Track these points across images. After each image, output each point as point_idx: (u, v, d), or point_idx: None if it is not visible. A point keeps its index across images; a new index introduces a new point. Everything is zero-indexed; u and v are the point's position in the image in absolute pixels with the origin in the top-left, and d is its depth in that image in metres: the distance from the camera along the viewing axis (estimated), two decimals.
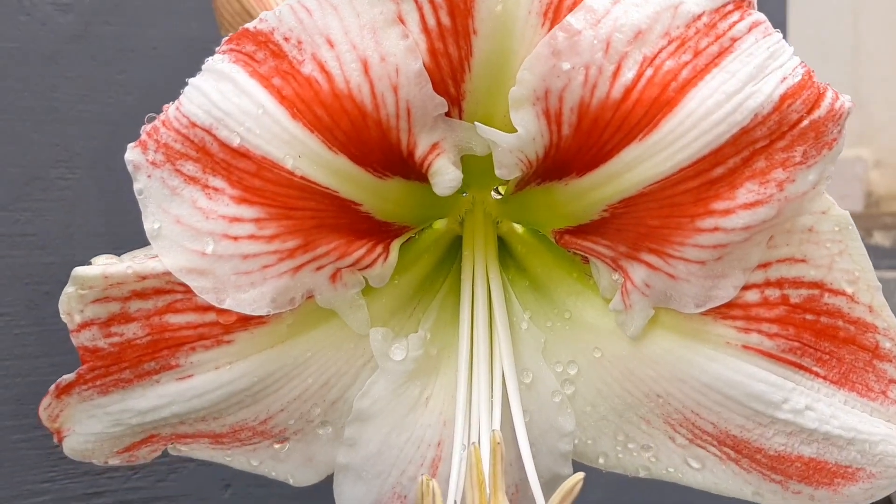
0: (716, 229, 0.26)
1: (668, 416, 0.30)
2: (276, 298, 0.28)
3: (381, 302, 0.31)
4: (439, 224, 0.33)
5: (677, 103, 0.26)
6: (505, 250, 0.33)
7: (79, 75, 0.50)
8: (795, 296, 0.29)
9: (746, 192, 0.26)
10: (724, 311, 0.29)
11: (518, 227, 0.33)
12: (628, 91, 0.26)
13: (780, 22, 0.72)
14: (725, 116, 0.25)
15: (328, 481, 0.33)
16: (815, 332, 0.29)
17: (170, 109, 0.27)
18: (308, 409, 0.31)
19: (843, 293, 0.28)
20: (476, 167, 0.29)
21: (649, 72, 0.26)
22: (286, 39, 0.26)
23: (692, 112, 0.25)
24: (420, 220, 0.31)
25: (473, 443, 0.28)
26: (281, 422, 0.31)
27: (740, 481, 0.30)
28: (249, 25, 0.27)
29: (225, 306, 0.28)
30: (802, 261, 0.28)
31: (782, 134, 0.26)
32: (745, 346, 0.29)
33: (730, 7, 0.26)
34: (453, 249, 0.33)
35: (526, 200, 0.30)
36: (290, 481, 0.32)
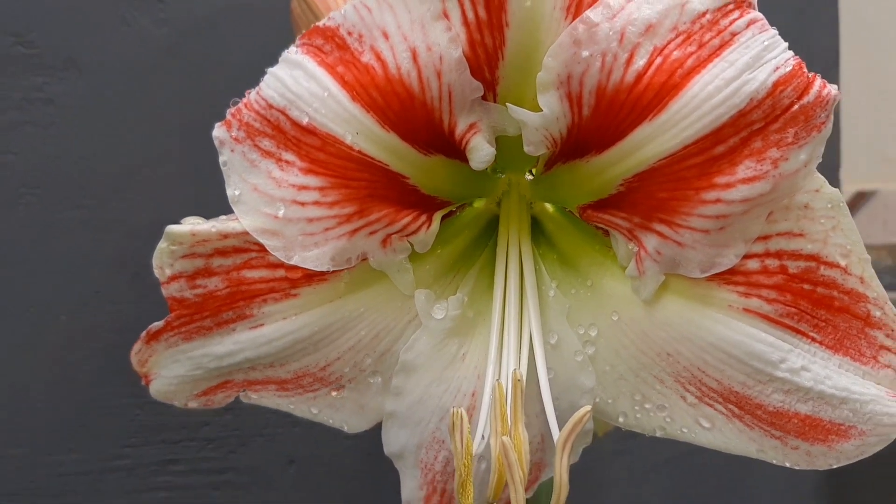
0: (718, 201, 0.29)
1: (678, 374, 0.33)
2: (335, 257, 0.32)
3: (426, 268, 0.35)
4: (479, 203, 0.37)
5: (683, 87, 0.29)
6: (537, 228, 0.37)
7: (170, 84, 0.56)
8: (794, 266, 0.31)
9: (745, 168, 0.29)
10: (727, 277, 0.31)
11: (549, 207, 0.37)
12: (640, 76, 0.29)
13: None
14: (725, 100, 0.28)
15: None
16: (811, 301, 0.31)
17: (251, 94, 0.32)
18: (361, 358, 0.35)
19: (838, 265, 0.31)
20: (510, 152, 0.33)
21: (658, 60, 0.29)
22: (349, 34, 0.30)
23: (696, 95, 0.29)
24: (461, 196, 0.35)
25: (498, 380, 0.31)
26: (337, 369, 0.35)
27: (745, 438, 0.32)
28: (319, 23, 0.31)
29: (292, 262, 0.32)
30: (800, 235, 0.31)
31: (776, 117, 0.29)
32: (745, 309, 0.31)
33: (731, 6, 0.29)
34: (491, 227, 0.37)
35: (554, 179, 0.34)
36: (345, 428, 0.36)
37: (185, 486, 0.61)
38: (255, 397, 0.36)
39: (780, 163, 0.29)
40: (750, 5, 0.30)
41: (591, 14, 0.29)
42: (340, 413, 0.36)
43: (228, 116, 0.32)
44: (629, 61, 0.29)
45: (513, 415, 0.30)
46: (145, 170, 0.55)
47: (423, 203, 0.33)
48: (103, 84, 0.54)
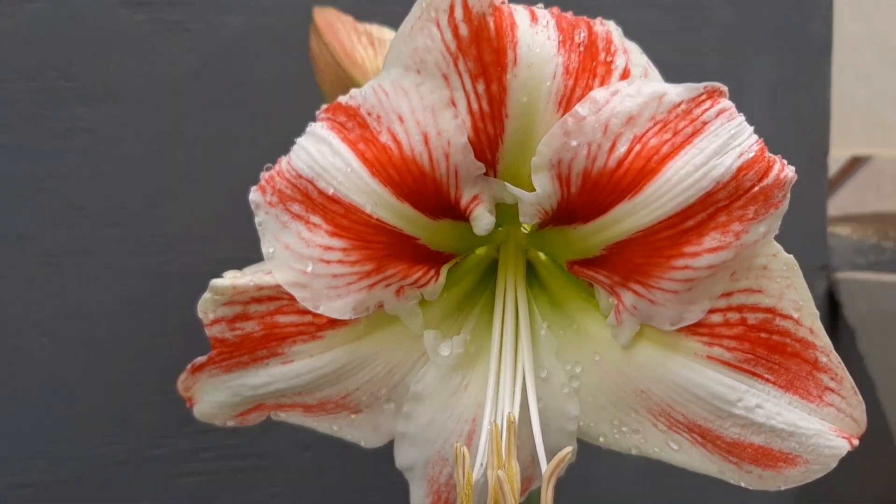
0: (686, 267, 0.33)
1: (650, 407, 0.37)
2: (356, 307, 0.36)
3: (433, 311, 0.40)
4: (481, 251, 0.41)
5: (658, 172, 0.32)
6: (532, 273, 0.41)
7: (198, 106, 0.60)
8: (752, 318, 0.35)
9: (711, 239, 0.33)
10: (693, 329, 0.36)
11: (542, 255, 0.41)
12: (621, 162, 0.32)
13: None
14: (694, 183, 0.32)
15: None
16: (767, 347, 0.35)
17: (283, 162, 0.35)
18: (376, 389, 0.39)
19: (791, 317, 0.35)
20: (509, 210, 0.37)
21: (638, 147, 0.32)
22: (369, 114, 0.34)
23: (669, 179, 0.32)
24: (465, 249, 0.39)
25: (495, 422, 0.36)
26: (356, 398, 0.39)
27: (708, 461, 0.37)
28: (342, 100, 0.35)
29: (319, 311, 0.36)
30: (759, 291, 0.35)
31: (739, 196, 0.32)
32: (708, 357, 0.36)
33: (703, 97, 0.33)
34: (491, 271, 0.41)
35: (546, 237, 0.38)
36: (362, 443, 0.41)
37: (214, 470, 0.66)
38: (283, 416, 0.41)
39: (741, 235, 0.33)
40: (722, 94, 0.33)
41: (580, 108, 0.33)
42: (358, 431, 0.41)
43: (263, 182, 0.36)
44: (612, 149, 0.32)
45: (507, 451, 0.35)
46: (177, 187, 0.59)
47: (432, 258, 0.38)
48: (137, 110, 0.57)
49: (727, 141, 0.32)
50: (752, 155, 0.32)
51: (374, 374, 0.39)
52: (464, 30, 0.33)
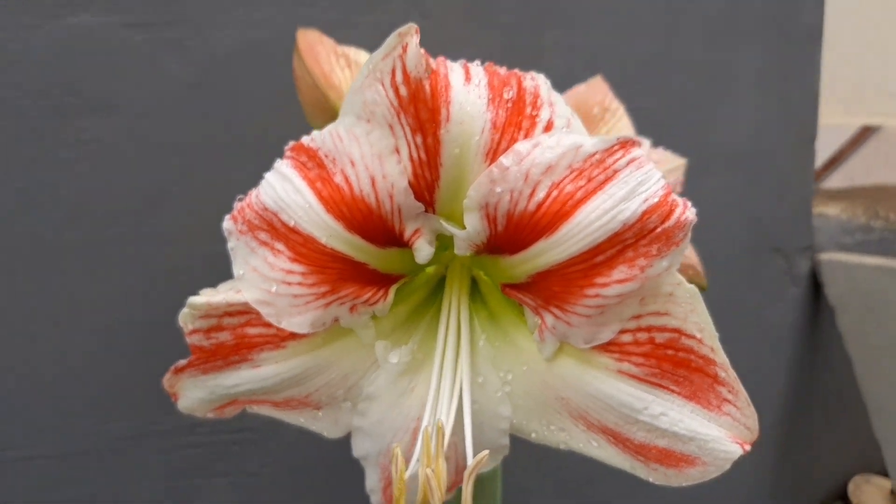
0: (597, 296, 0.38)
1: (570, 411, 0.42)
2: (313, 323, 0.41)
3: (385, 322, 0.44)
4: (430, 269, 0.46)
5: (571, 214, 0.36)
6: (476, 290, 0.46)
7: (195, 116, 0.64)
8: (660, 337, 0.39)
9: (619, 272, 0.37)
10: (606, 347, 0.40)
11: (483, 275, 0.45)
12: (540, 206, 0.36)
13: None
14: (603, 225, 0.36)
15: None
16: (673, 363, 0.39)
17: (252, 195, 0.39)
18: (334, 391, 0.44)
19: (695, 337, 0.39)
20: (451, 239, 0.42)
21: (555, 193, 0.36)
22: (326, 156, 0.38)
23: (581, 221, 0.36)
24: (412, 271, 0.44)
25: (426, 427, 0.40)
26: (316, 398, 0.44)
27: (621, 458, 0.41)
28: (305, 140, 0.39)
29: (281, 326, 0.41)
30: (666, 314, 0.39)
31: (644, 236, 0.36)
32: (619, 371, 0.40)
33: (616, 147, 0.36)
34: (440, 287, 0.46)
35: (483, 261, 0.42)
36: (325, 434, 0.46)
37: (210, 443, 0.71)
38: (255, 409, 0.46)
39: (646, 268, 0.37)
40: (634, 145, 0.37)
41: (504, 159, 0.36)
42: (320, 424, 0.46)
43: (235, 212, 0.40)
44: (532, 194, 0.36)
45: (436, 452, 0.40)
46: (175, 189, 0.64)
47: (382, 280, 0.42)
48: (138, 121, 0.62)
49: (634, 187, 0.36)
50: (656, 200, 0.36)
51: (331, 378, 0.44)
52: (403, 91, 0.37)
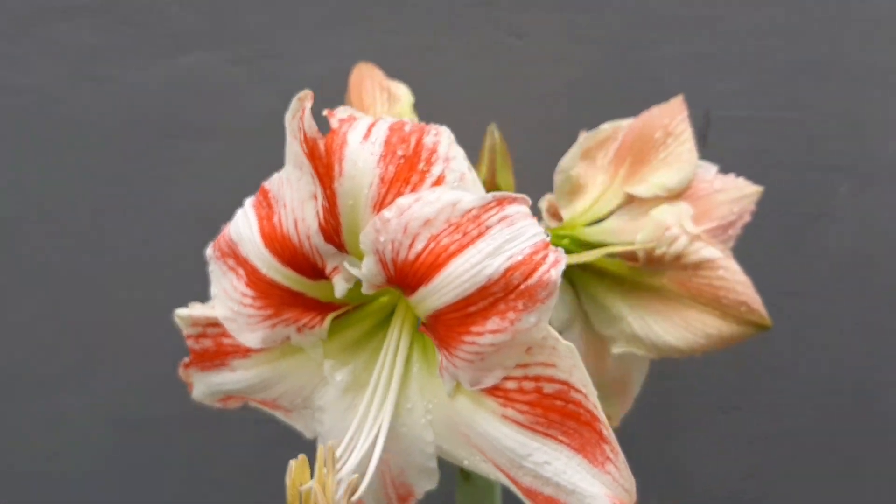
0: (474, 343, 0.40)
1: (469, 443, 0.44)
2: (264, 340, 0.47)
3: (334, 344, 0.49)
4: (384, 299, 0.50)
5: (444, 266, 0.39)
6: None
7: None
8: (549, 388, 0.41)
9: (492, 323, 0.39)
10: (492, 391, 0.42)
11: None
12: (418, 256, 0.39)
13: None
14: (471, 278, 0.38)
15: None
16: (563, 414, 0.40)
17: (227, 227, 0.47)
18: (293, 399, 0.50)
19: (581, 391, 0.40)
20: None
21: (432, 245, 0.39)
22: (273, 197, 0.44)
23: (452, 272, 0.39)
24: (352, 301, 0.48)
25: (329, 445, 0.44)
26: (282, 403, 0.51)
27: (520, 494, 0.43)
28: (265, 182, 0.46)
29: (240, 340, 0.48)
30: (553, 366, 0.41)
31: (510, 291, 0.38)
32: (503, 416, 0.41)
33: (492, 204, 0.39)
34: (392, 315, 0.49)
35: None
36: (304, 434, 0.52)
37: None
38: (252, 404, 0.54)
39: (515, 322, 0.39)
40: (511, 202, 0.39)
41: (386, 212, 0.40)
42: (297, 425, 0.52)
43: (215, 241, 0.48)
44: (411, 245, 0.40)
45: (328, 469, 0.44)
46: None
47: (320, 308, 0.47)
48: (236, 143, 0.73)
49: (501, 244, 0.38)
50: (520, 258, 0.38)
51: (288, 388, 0.50)
52: (305, 148, 0.42)
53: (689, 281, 0.60)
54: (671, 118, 0.63)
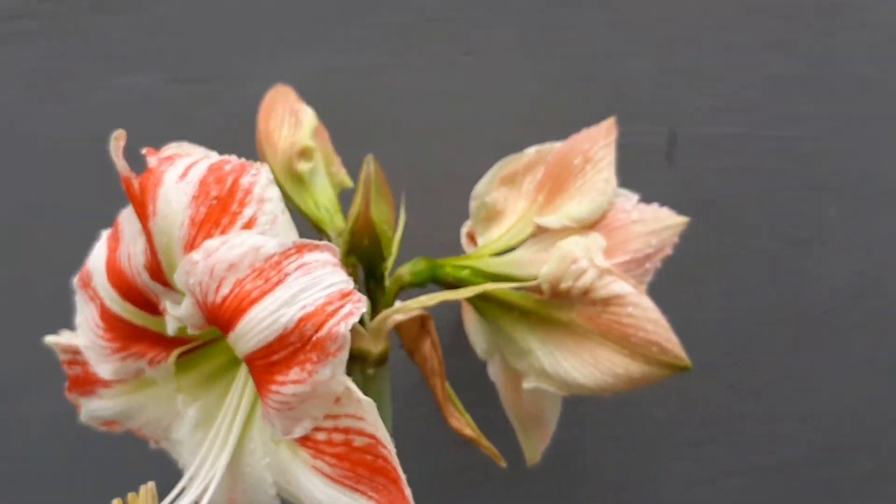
0: (278, 392, 0.39)
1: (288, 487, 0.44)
2: (116, 372, 0.48)
3: (188, 378, 0.49)
4: None
5: (245, 312, 0.38)
6: None
7: None
8: (358, 441, 0.40)
9: (294, 373, 0.38)
10: (303, 441, 0.41)
11: None
12: (224, 299, 0.39)
13: None
14: (268, 326, 0.38)
15: None
16: (371, 469, 0.40)
17: (89, 258, 0.49)
18: (153, 430, 0.50)
19: (387, 448, 0.40)
20: None
21: (237, 290, 0.38)
22: (120, 230, 0.45)
23: (251, 319, 0.38)
24: (203, 336, 0.48)
25: (148, 485, 0.45)
26: (147, 433, 0.51)
27: None
28: (119, 215, 0.47)
29: (96, 371, 0.48)
30: (361, 419, 0.40)
31: (305, 342, 0.37)
32: (314, 467, 0.41)
33: (293, 251, 0.38)
34: None
35: None
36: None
37: None
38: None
39: (313, 374, 0.38)
40: (311, 249, 0.38)
41: (194, 254, 0.39)
42: (171, 453, 0.53)
43: (81, 271, 0.49)
44: (217, 289, 0.39)
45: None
46: None
47: (166, 343, 0.48)
48: None
49: (296, 293, 0.38)
50: (312, 309, 0.37)
51: (147, 420, 0.51)
52: (124, 186, 0.42)
53: (598, 317, 0.56)
54: (592, 143, 0.60)
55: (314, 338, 0.37)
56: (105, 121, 0.72)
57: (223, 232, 0.40)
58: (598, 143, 0.60)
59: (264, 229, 0.40)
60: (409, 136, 0.75)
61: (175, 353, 0.49)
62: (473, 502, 0.79)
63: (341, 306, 0.38)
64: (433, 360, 0.56)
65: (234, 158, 0.42)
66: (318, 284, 0.38)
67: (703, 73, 0.77)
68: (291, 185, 0.58)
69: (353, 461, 0.40)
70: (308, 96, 0.67)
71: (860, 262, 0.82)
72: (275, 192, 0.41)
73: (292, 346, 0.38)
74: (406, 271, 0.57)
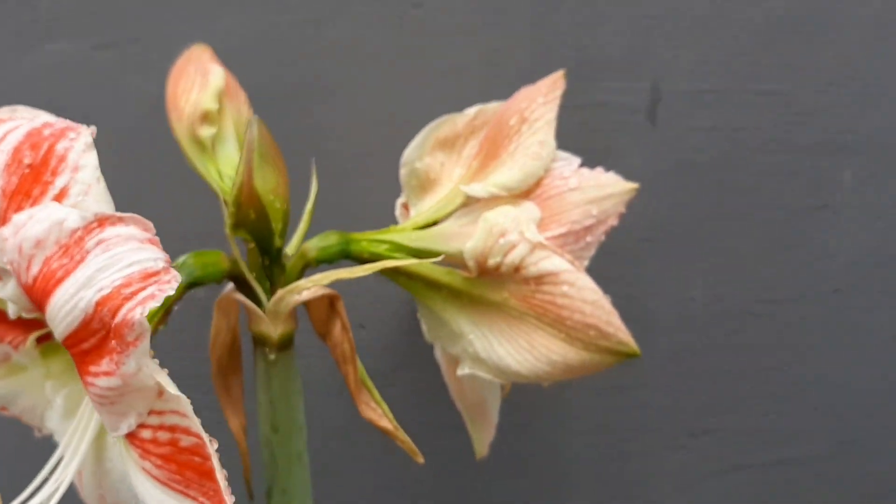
0: (93, 384, 0.36)
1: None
2: None
3: (55, 364, 0.47)
4: None
5: (52, 293, 0.35)
6: None
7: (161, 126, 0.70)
8: (185, 441, 0.36)
9: (106, 363, 0.35)
10: (131, 439, 0.37)
11: None
12: (35, 280, 0.35)
13: None
14: (71, 310, 0.34)
15: None
16: (200, 473, 0.36)
17: None
18: (32, 418, 0.48)
19: (211, 449, 0.35)
20: None
21: (45, 269, 0.35)
22: None
23: (57, 301, 0.34)
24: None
25: None
26: (28, 421, 0.49)
27: None
28: None
29: None
30: (186, 416, 0.36)
31: (106, 329, 0.34)
32: (142, 468, 0.37)
33: (94, 224, 0.34)
34: None
35: None
36: None
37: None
38: None
39: (120, 365, 0.34)
40: (113, 222, 0.34)
41: (4, 230, 0.36)
42: None
43: None
44: (28, 268, 0.35)
45: None
46: (146, 194, 0.71)
47: (23, 326, 0.44)
48: (109, 134, 0.70)
49: (93, 274, 0.34)
50: (107, 292, 0.33)
51: (24, 407, 0.48)
52: None
53: (531, 297, 0.50)
54: (530, 101, 0.53)
55: (112, 324, 0.33)
56: (34, 89, 0.69)
57: (34, 204, 0.36)
58: (537, 100, 0.53)
59: (77, 200, 0.36)
60: (348, 98, 0.69)
61: (33, 336, 0.45)
62: (451, 496, 0.74)
63: (141, 288, 0.33)
64: (344, 345, 0.51)
65: (59, 121, 0.38)
66: (117, 264, 0.33)
67: (686, 20, 0.68)
68: (196, 152, 0.53)
69: (180, 463, 0.36)
70: (240, 56, 0.63)
71: (879, 232, 0.72)
72: (90, 159, 0.37)
73: (98, 333, 0.34)
74: (312, 246, 0.52)
